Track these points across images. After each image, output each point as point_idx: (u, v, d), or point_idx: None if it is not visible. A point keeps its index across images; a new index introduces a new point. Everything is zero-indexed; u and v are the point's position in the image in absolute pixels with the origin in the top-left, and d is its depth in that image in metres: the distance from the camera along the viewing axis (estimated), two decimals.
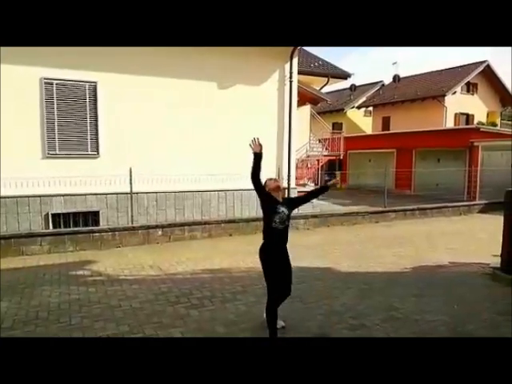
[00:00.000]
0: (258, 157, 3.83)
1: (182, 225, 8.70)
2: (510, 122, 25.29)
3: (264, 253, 3.94)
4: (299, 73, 10.94)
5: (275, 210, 3.83)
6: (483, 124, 21.34)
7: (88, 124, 8.36)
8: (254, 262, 6.68)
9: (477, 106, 24.88)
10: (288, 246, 3.99)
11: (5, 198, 7.77)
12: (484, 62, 24.48)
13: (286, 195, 10.17)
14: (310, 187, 13.54)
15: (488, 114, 25.39)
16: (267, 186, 3.92)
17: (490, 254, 7.04)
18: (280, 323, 4.01)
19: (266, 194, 3.91)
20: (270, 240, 3.92)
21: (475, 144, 16.49)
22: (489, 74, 24.93)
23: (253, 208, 9.86)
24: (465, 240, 8.83)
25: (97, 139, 8.46)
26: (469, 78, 24.12)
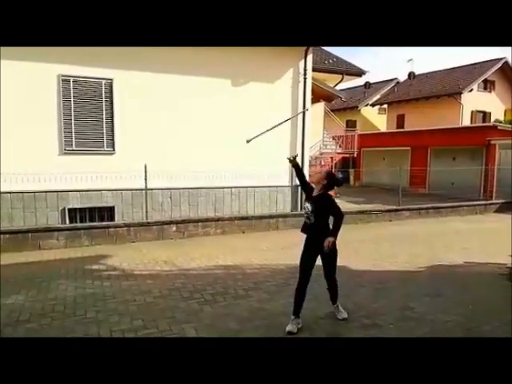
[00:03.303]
0: (295, 166, 4.31)
1: (196, 221, 8.77)
2: None
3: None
4: (313, 70, 10.88)
5: (304, 205, 4.19)
6: (500, 122, 20.94)
7: (104, 121, 8.45)
8: (266, 259, 6.71)
9: (494, 104, 24.45)
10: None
11: (23, 192, 7.92)
12: (502, 59, 24.02)
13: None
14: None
15: (505, 112, 24.92)
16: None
17: (506, 254, 6.93)
18: (342, 315, 4.31)
19: (306, 187, 4.27)
20: (303, 231, 4.19)
21: (492, 142, 16.21)
22: (507, 71, 24.44)
23: (265, 205, 9.87)
24: (481, 240, 8.71)
25: (113, 136, 8.55)
26: (486, 76, 23.69)
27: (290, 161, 4.25)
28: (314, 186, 4.14)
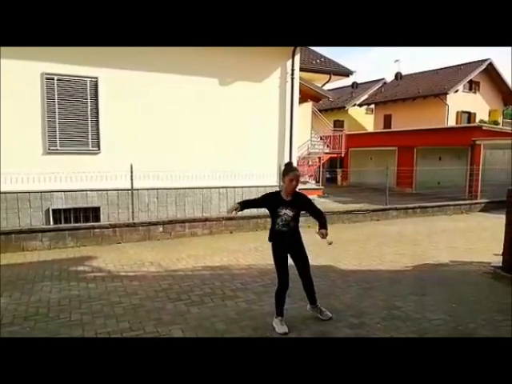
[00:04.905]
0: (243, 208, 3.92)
1: (183, 221, 8.69)
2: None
3: (272, 244, 3.99)
4: (301, 70, 10.89)
5: (277, 213, 3.83)
6: (485, 122, 21.27)
7: (89, 120, 8.34)
8: (254, 260, 6.69)
9: (479, 105, 24.83)
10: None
11: (5, 193, 7.76)
12: (486, 60, 24.40)
13: None
14: (311, 185, 13.54)
15: (490, 113, 25.34)
16: (284, 176, 3.81)
17: (491, 252, 7.02)
18: (327, 314, 4.17)
19: (263, 200, 3.95)
20: (276, 240, 3.95)
21: (477, 142, 16.45)
22: (491, 73, 24.86)
23: None
24: (466, 239, 8.81)
25: (98, 135, 8.44)
26: (471, 77, 24.05)
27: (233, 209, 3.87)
28: (284, 194, 3.85)
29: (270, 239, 3.98)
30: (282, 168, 3.95)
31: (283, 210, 3.80)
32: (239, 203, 3.93)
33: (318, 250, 7.41)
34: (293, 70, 10.19)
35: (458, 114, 24.13)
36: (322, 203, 11.97)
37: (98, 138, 8.45)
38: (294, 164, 10.27)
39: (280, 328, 3.91)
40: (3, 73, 7.52)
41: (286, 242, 3.93)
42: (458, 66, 25.72)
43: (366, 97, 28.76)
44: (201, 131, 9.34)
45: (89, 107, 8.32)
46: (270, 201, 3.89)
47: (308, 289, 4.20)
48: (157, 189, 9.05)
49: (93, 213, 8.60)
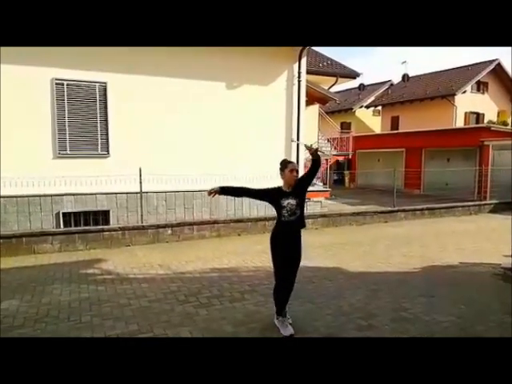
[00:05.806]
0: (223, 192, 4.04)
1: (191, 224, 8.75)
2: None
3: (274, 240, 3.99)
4: (308, 72, 10.91)
5: (280, 205, 3.88)
6: (494, 123, 21.11)
7: (98, 124, 8.43)
8: (262, 262, 6.71)
9: (487, 105, 24.63)
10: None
11: (17, 197, 7.87)
12: (495, 60, 24.21)
13: None
14: (319, 186, 13.52)
15: (499, 113, 25.12)
16: (284, 170, 3.92)
17: (500, 254, 6.98)
18: (288, 330, 3.90)
19: (264, 193, 4.01)
20: (282, 230, 3.96)
21: (486, 143, 16.33)
22: (499, 73, 24.65)
23: (261, 207, 9.86)
24: (475, 240, 8.75)
25: (107, 139, 8.52)
26: (479, 77, 23.87)
27: (212, 192, 3.94)
28: (285, 187, 3.94)
29: (274, 232, 4.00)
30: (279, 166, 4.01)
31: (286, 201, 3.86)
32: (220, 187, 3.97)
33: (325, 252, 7.44)
34: (299, 73, 10.21)
35: (466, 115, 23.96)
36: (330, 205, 11.96)
37: (107, 141, 8.53)
38: (301, 166, 10.32)
39: (285, 330, 3.90)
40: (14, 78, 7.63)
41: (289, 232, 3.94)
42: (466, 66, 25.56)
43: (372, 98, 28.66)
44: (209, 135, 9.38)
45: (98, 112, 8.41)
46: (272, 195, 3.95)
47: (287, 293, 4.05)
48: (165, 192, 9.11)
49: (102, 216, 8.68)
